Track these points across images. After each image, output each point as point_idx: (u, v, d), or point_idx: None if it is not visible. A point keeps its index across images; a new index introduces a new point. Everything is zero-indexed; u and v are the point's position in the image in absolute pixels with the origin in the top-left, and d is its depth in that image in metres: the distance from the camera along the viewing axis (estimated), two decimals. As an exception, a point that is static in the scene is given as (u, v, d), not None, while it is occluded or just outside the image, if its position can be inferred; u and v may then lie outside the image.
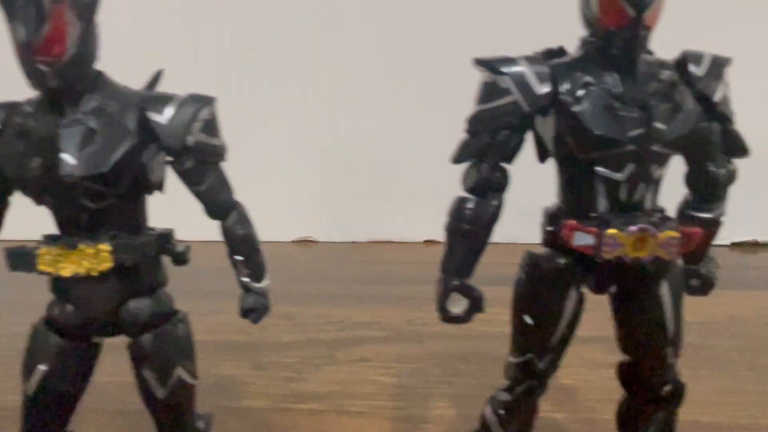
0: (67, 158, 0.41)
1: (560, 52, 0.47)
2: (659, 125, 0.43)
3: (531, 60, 0.46)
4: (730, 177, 0.49)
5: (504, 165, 0.47)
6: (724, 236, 1.52)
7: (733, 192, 1.51)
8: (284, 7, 1.42)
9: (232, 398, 0.79)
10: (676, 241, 0.44)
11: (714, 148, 0.48)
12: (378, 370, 0.87)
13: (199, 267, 1.27)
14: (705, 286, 0.52)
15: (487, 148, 0.46)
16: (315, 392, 0.81)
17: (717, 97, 0.46)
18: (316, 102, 1.43)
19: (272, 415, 0.75)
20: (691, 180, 0.50)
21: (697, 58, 0.46)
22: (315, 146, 1.45)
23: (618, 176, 0.44)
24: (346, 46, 1.41)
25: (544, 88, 0.45)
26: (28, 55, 0.39)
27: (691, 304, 1.09)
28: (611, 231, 0.44)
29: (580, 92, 0.44)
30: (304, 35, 1.43)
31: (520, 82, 0.45)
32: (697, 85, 0.46)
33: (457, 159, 0.47)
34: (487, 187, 0.47)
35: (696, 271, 0.52)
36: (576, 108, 0.43)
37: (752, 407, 0.76)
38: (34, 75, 0.39)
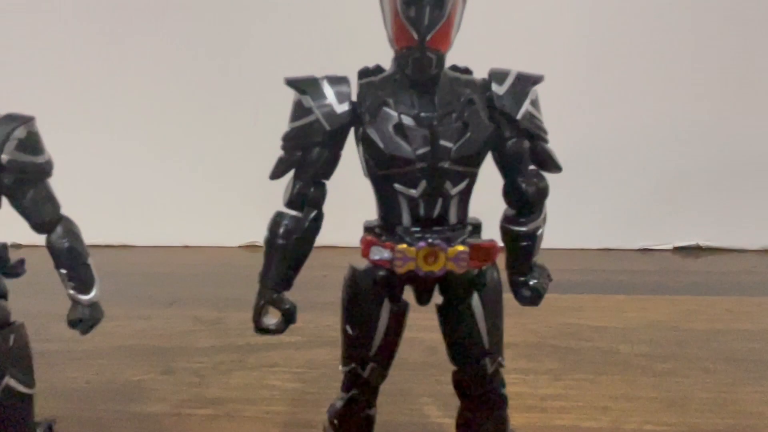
0: None
1: (376, 70, 0.48)
2: (445, 143, 0.45)
3: (333, 80, 0.47)
4: (540, 193, 0.50)
5: (320, 180, 0.49)
6: (666, 240, 1.57)
7: (677, 197, 1.54)
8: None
9: (132, 403, 0.81)
10: (466, 255, 0.46)
11: (522, 165, 0.49)
12: (283, 375, 0.88)
13: (134, 272, 1.32)
14: (534, 297, 0.53)
15: (300, 163, 0.48)
16: (216, 397, 0.83)
17: (519, 114, 0.47)
18: (263, 108, 1.45)
19: (166, 420, 0.77)
20: (505, 194, 0.51)
21: (501, 76, 0.48)
22: (263, 152, 1.47)
23: (413, 192, 0.46)
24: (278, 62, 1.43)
25: (342, 107, 0.46)
26: None
27: (613, 308, 1.13)
28: (401, 246, 0.46)
29: (377, 112, 0.45)
30: (256, 42, 1.44)
31: (321, 101, 0.47)
32: (495, 102, 0.47)
33: (274, 175, 0.49)
34: (302, 202, 0.49)
35: (525, 282, 0.53)
36: (369, 128, 0.45)
37: (640, 413, 0.78)
38: None
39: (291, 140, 0.48)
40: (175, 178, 1.48)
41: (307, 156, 0.48)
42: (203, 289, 1.24)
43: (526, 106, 0.47)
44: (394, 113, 0.45)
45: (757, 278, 1.30)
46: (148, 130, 1.48)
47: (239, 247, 1.50)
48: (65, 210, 0.51)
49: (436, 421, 0.76)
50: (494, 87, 0.47)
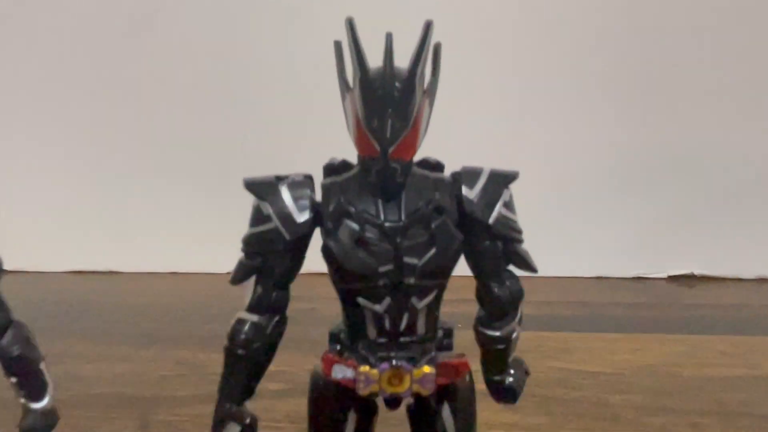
0: None
1: (340, 167, 0.46)
2: (410, 260, 0.43)
3: (294, 185, 0.45)
4: (514, 297, 0.48)
5: (285, 284, 0.47)
6: (660, 269, 1.54)
7: (671, 225, 1.51)
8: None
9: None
10: (432, 377, 0.44)
11: (496, 268, 0.47)
12: (263, 431, 0.87)
13: (119, 303, 1.30)
14: (513, 394, 0.51)
15: (261, 269, 0.46)
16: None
17: (491, 219, 0.45)
18: (251, 131, 1.42)
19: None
20: (478, 296, 0.49)
21: (472, 178, 0.45)
22: (252, 175, 1.45)
23: (377, 308, 0.44)
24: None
25: (303, 217, 0.44)
26: None
27: (604, 349, 1.10)
28: (363, 368, 0.43)
29: (338, 223, 0.43)
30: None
31: (280, 210, 0.44)
32: (466, 208, 0.45)
33: (234, 280, 0.46)
34: (264, 307, 0.46)
35: (501, 382, 0.50)
36: (330, 241, 0.43)
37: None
38: None
39: (250, 246, 0.46)
40: (165, 203, 1.46)
41: (267, 262, 0.46)
42: (188, 324, 1.22)
43: (498, 209, 0.45)
44: (356, 226, 0.43)
45: (752, 312, 1.28)
46: (136, 153, 1.46)
47: (228, 273, 1.48)
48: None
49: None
50: (465, 191, 0.45)
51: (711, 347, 1.10)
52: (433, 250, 0.43)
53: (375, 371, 0.43)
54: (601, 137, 1.39)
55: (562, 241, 1.38)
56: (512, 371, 0.50)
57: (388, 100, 0.40)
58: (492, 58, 1.36)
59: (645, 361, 1.05)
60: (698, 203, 1.40)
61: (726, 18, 1.36)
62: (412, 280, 0.43)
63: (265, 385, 0.97)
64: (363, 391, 0.43)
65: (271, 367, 1.02)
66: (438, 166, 0.46)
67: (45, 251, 1.47)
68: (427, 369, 0.44)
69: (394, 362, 0.43)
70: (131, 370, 1.03)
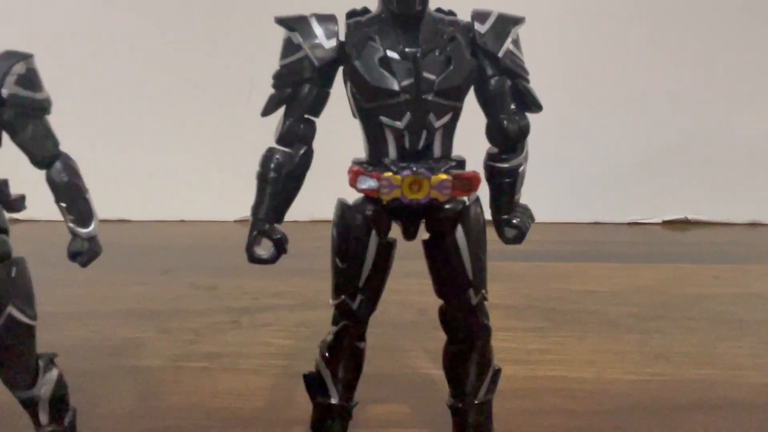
0: None
1: (363, 11, 0.50)
2: (428, 75, 0.47)
3: (322, 18, 0.49)
4: (522, 131, 0.52)
5: (310, 117, 0.51)
6: (655, 214, 1.58)
7: (663, 171, 1.55)
8: None
9: (128, 358, 0.83)
10: (449, 183, 0.48)
11: (504, 103, 0.51)
12: (276, 334, 0.90)
13: (130, 245, 1.33)
14: (517, 236, 0.55)
15: (290, 100, 0.50)
16: (211, 352, 0.85)
17: (501, 52, 0.49)
18: (258, 82, 1.46)
19: (161, 373, 0.79)
20: (488, 132, 0.53)
21: (483, 16, 0.50)
22: (257, 128, 1.49)
23: (398, 125, 0.48)
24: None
25: (330, 43, 0.48)
26: None
27: (602, 276, 1.14)
28: (387, 174, 0.47)
29: (363, 46, 0.47)
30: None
31: (310, 38, 0.48)
32: (478, 40, 0.49)
33: (265, 112, 0.51)
34: (293, 138, 0.51)
35: (509, 221, 0.55)
36: (356, 62, 0.47)
37: (622, 364, 0.80)
38: None
39: (281, 77, 0.50)
40: (172, 154, 1.49)
41: (297, 92, 0.50)
42: (199, 259, 1.26)
43: (507, 44, 0.49)
44: (380, 47, 0.47)
45: (744, 248, 1.32)
46: (144, 107, 1.49)
47: (235, 221, 1.52)
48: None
49: (424, 372, 0.78)
50: (476, 26, 0.49)
51: (704, 273, 1.15)
52: (449, 68, 0.48)
53: (398, 177, 0.48)
54: (602, 86, 1.43)
55: (559, 188, 1.42)
56: (519, 210, 0.55)
57: None
58: None
59: (641, 284, 1.10)
60: (692, 150, 1.44)
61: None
62: (430, 96, 0.47)
63: (276, 301, 1.04)
64: (386, 196, 0.47)
65: (282, 288, 1.08)
66: (451, 13, 0.51)
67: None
68: (443, 176, 0.48)
69: (414, 168, 0.48)
70: (148, 291, 1.07)
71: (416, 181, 0.47)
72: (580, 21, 1.41)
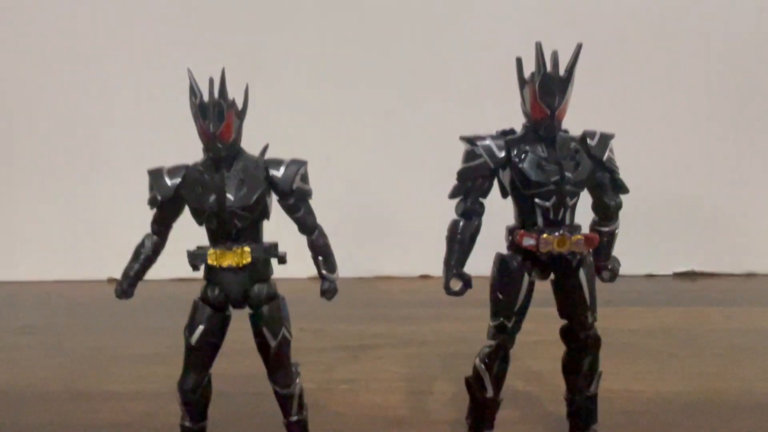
0: (230, 196, 0.70)
1: (511, 131, 0.77)
2: (568, 174, 0.73)
3: (494, 137, 0.75)
4: (618, 206, 0.79)
5: (481, 200, 0.77)
6: (666, 267, 1.83)
7: (672, 229, 1.83)
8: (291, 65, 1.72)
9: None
10: (582, 241, 0.74)
11: (606, 188, 0.78)
12: (392, 364, 1.14)
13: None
14: (612, 276, 0.82)
15: (469, 189, 0.76)
16: (346, 378, 1.08)
17: (604, 157, 0.76)
18: (333, 150, 1.68)
19: (318, 392, 1.02)
20: (594, 207, 0.80)
21: (591, 134, 0.76)
22: (329, 194, 1.74)
23: (547, 204, 0.73)
24: (353, 100, 1.70)
25: (502, 153, 0.74)
26: (212, 139, 0.68)
27: (634, 316, 1.39)
28: (545, 235, 0.73)
29: (523, 156, 0.74)
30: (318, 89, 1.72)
31: (487, 150, 0.75)
32: (591, 151, 0.76)
33: (452, 196, 0.76)
34: (470, 213, 0.76)
35: (605, 266, 0.81)
36: (521, 165, 0.73)
37: (667, 379, 1.05)
38: (213, 150, 0.69)
39: (464, 175, 0.75)
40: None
41: (474, 184, 0.76)
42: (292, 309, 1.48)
43: (607, 152, 0.76)
44: (535, 157, 0.73)
45: (745, 294, 1.58)
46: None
47: (308, 278, 1.75)
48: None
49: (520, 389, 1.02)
50: (589, 141, 0.76)
51: (715, 314, 1.41)
52: (579, 168, 0.74)
53: (551, 237, 0.73)
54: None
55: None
56: (613, 259, 0.82)
57: (556, 85, 0.71)
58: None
59: (667, 322, 1.35)
60: (695, 206, 1.72)
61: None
62: (568, 186, 0.73)
63: (379, 341, 1.28)
64: (543, 249, 0.72)
65: (379, 331, 1.31)
66: (566, 132, 0.77)
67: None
68: (578, 236, 0.74)
69: (561, 231, 0.73)
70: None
71: (562, 239, 0.73)
72: (580, 78, 1.69)
